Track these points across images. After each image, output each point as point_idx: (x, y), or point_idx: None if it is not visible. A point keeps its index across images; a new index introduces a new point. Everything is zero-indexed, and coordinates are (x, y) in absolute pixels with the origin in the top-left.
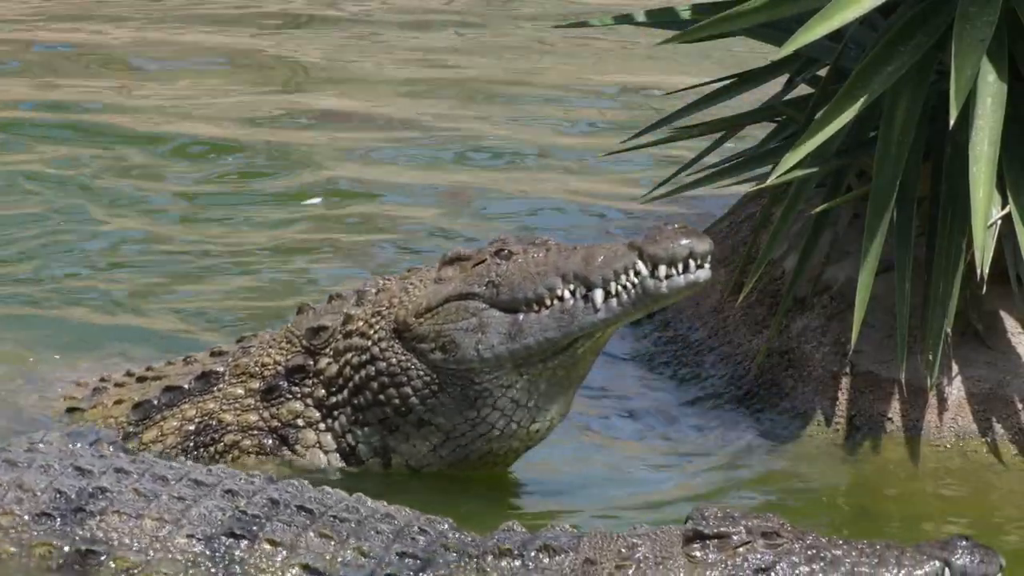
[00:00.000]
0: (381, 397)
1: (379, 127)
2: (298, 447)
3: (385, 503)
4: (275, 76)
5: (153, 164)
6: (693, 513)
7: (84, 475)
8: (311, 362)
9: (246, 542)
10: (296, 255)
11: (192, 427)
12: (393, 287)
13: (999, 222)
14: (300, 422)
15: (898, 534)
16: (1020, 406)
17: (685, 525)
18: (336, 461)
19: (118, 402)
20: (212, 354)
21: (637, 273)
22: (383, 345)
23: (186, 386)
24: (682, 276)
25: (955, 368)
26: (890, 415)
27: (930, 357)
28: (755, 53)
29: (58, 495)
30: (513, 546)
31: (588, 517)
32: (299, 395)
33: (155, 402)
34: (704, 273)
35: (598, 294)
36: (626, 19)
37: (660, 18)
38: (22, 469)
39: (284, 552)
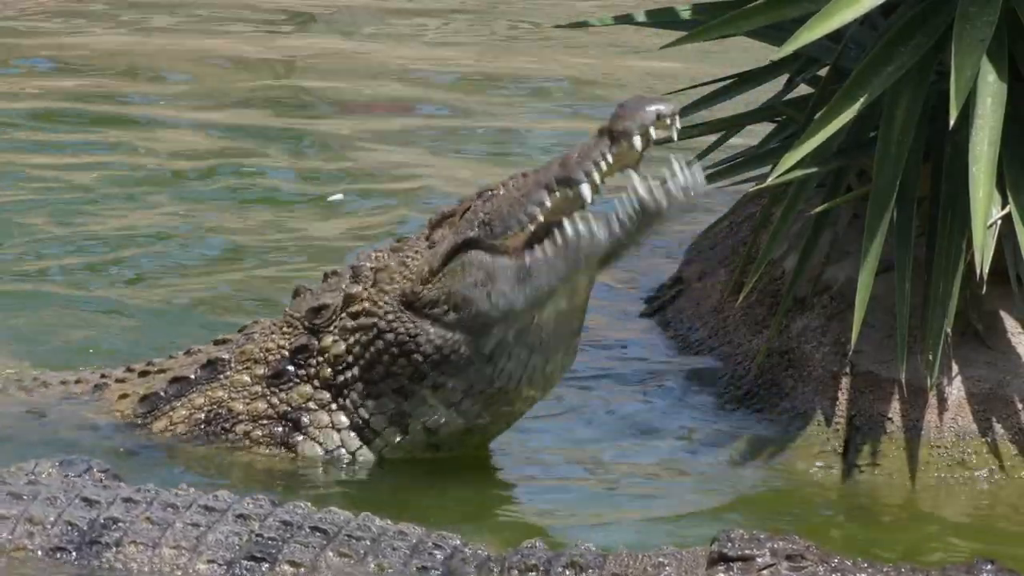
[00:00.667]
0: (394, 368)
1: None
2: (311, 429)
3: (391, 521)
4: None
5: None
6: (720, 535)
7: (93, 506)
8: (314, 341)
9: (267, 565)
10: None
11: (202, 415)
12: (391, 263)
13: (999, 222)
14: (312, 405)
15: (898, 536)
16: (1020, 406)
17: (711, 546)
18: (350, 438)
19: (122, 396)
20: (215, 343)
21: (613, 151)
22: (390, 318)
23: (192, 376)
24: (676, 188)
25: (955, 368)
26: (890, 415)
27: (930, 357)
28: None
29: (70, 527)
30: (539, 562)
31: (588, 519)
32: (306, 377)
33: (162, 393)
34: (697, 180)
35: (584, 189)
36: (626, 19)
37: (660, 18)
38: (28, 502)
39: (306, 573)
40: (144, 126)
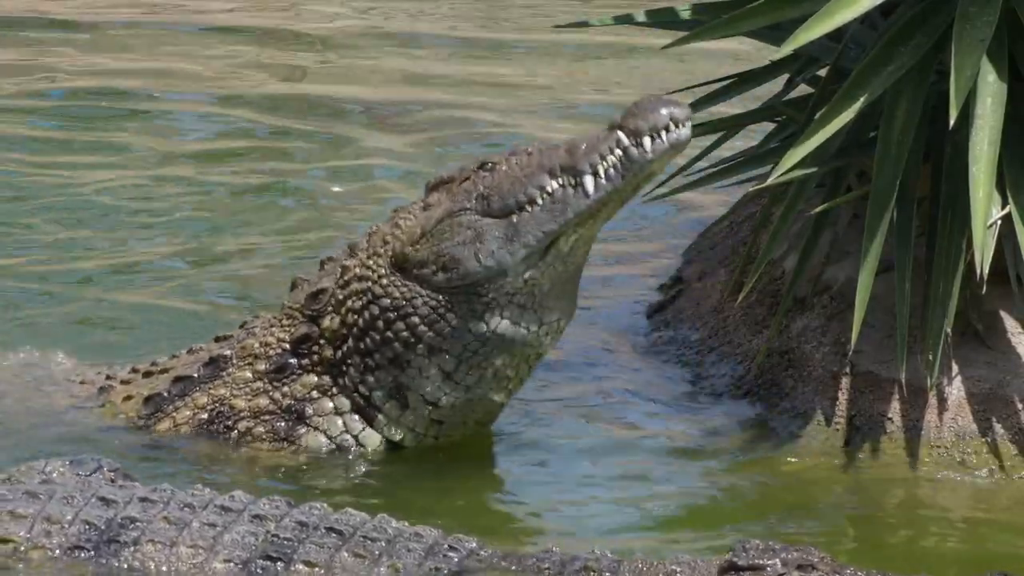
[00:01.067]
0: (388, 334)
1: None
2: (315, 419)
3: (407, 523)
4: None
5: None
6: (735, 545)
7: (110, 505)
8: (315, 328)
9: (282, 564)
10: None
11: (205, 415)
12: (384, 228)
13: (999, 222)
14: (315, 394)
15: (898, 537)
16: (1020, 406)
17: (727, 556)
18: (353, 422)
19: (127, 398)
20: (217, 340)
21: (621, 145)
22: (384, 282)
23: (195, 375)
24: (664, 139)
25: (955, 368)
26: (890, 415)
27: (930, 357)
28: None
29: (88, 527)
30: (552, 566)
31: (588, 519)
32: (309, 366)
33: (166, 394)
34: (685, 132)
35: (588, 180)
36: (626, 19)
37: (660, 18)
38: (44, 501)
39: (321, 573)
40: (159, 117)
